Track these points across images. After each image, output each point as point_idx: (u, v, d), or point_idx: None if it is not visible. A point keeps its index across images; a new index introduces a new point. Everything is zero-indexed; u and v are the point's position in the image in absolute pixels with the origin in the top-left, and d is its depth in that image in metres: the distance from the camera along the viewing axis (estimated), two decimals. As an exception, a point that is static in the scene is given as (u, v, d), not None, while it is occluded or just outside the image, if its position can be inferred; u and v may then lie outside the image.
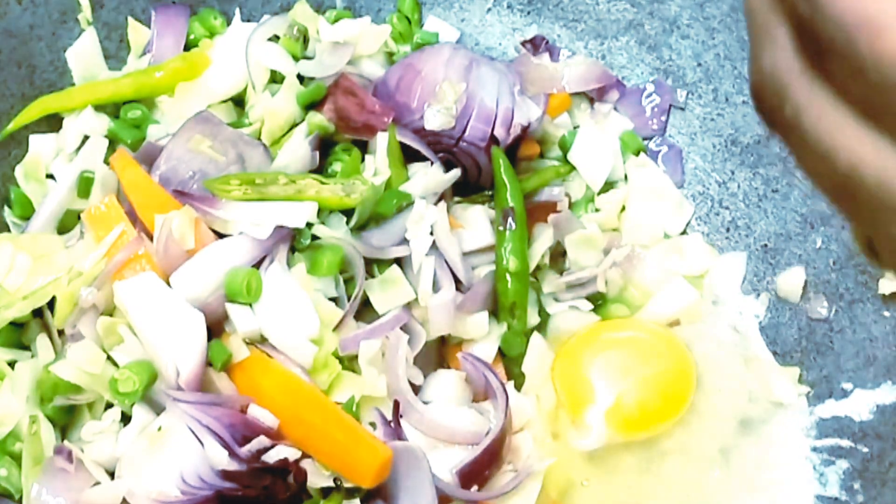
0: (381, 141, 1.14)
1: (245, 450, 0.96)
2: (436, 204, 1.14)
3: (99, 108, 1.19)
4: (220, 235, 1.06)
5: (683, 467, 1.17)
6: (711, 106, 1.32)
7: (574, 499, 1.12)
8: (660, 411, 1.16)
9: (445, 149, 1.19)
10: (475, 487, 1.07)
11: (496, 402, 1.11)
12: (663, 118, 1.34)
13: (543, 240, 1.20)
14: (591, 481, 1.14)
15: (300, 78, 1.19)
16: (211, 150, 1.10)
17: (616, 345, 1.19)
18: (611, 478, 1.15)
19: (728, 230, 1.31)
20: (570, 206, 1.26)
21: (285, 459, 0.97)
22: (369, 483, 1.00)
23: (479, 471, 1.08)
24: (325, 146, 1.17)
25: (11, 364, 1.05)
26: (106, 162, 1.13)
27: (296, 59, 1.20)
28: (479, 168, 1.20)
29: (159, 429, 0.98)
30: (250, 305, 1.02)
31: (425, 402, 1.10)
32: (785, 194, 1.28)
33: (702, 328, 1.25)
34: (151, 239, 1.04)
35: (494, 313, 1.17)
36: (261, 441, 0.97)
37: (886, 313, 1.20)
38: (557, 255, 1.25)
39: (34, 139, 1.18)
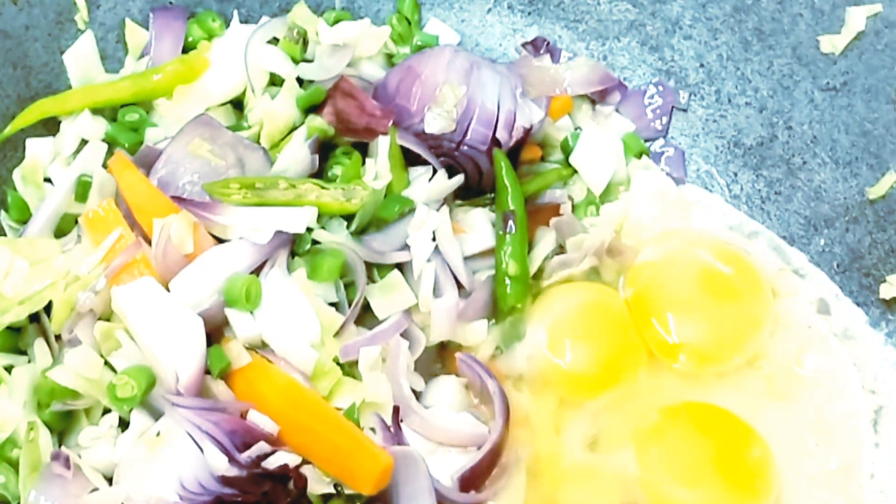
0: (382, 144, 1.14)
1: (245, 456, 0.96)
2: (438, 209, 1.14)
3: (96, 111, 1.18)
4: (220, 240, 1.06)
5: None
6: (714, 107, 1.32)
7: (569, 492, 1.12)
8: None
9: (446, 153, 1.18)
10: (473, 490, 1.07)
11: (493, 406, 1.10)
12: (665, 120, 1.34)
13: (545, 243, 1.20)
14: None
15: (300, 80, 1.18)
16: (210, 153, 1.10)
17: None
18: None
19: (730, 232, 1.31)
20: (573, 208, 1.25)
21: (285, 465, 0.97)
22: (370, 490, 0.99)
23: (479, 476, 1.08)
24: (324, 149, 1.16)
25: (8, 369, 1.04)
26: (104, 165, 1.13)
27: (295, 61, 1.20)
28: (481, 171, 1.20)
29: (158, 434, 0.97)
30: (250, 311, 1.02)
31: (426, 407, 1.09)
32: (788, 196, 1.28)
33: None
34: (150, 243, 1.03)
35: (493, 316, 1.17)
36: (261, 447, 0.96)
37: (890, 317, 1.20)
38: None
39: (31, 143, 1.17)
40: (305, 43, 1.21)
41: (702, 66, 1.32)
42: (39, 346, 1.05)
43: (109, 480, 0.98)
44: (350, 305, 1.07)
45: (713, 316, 1.17)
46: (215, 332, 1.02)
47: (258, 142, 1.15)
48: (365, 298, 1.08)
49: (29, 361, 1.06)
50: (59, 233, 1.12)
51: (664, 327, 1.17)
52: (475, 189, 1.21)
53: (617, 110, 1.34)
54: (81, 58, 1.22)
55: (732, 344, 1.18)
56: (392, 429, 1.05)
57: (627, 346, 1.18)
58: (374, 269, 1.11)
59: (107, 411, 1.02)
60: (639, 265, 1.22)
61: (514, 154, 1.20)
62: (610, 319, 1.19)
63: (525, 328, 1.17)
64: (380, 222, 1.11)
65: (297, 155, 1.12)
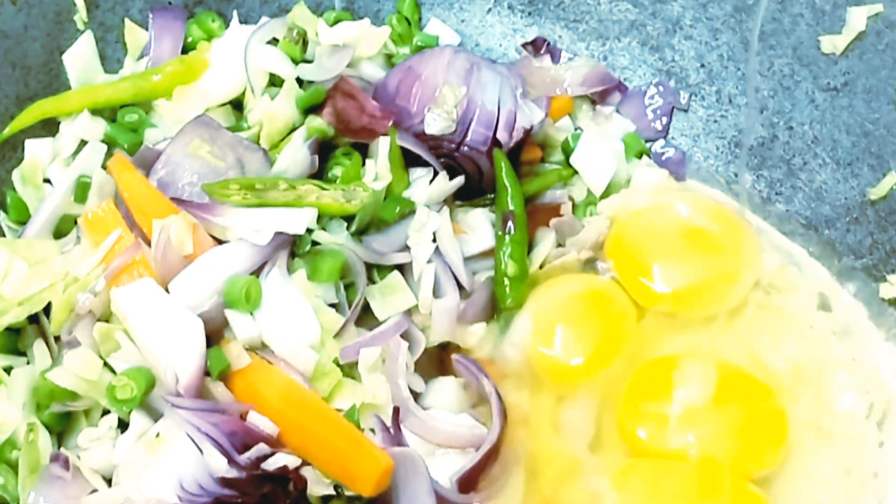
0: (383, 145, 1.14)
1: (244, 457, 0.95)
2: (439, 210, 1.14)
3: (96, 111, 1.18)
4: (220, 241, 1.05)
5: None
6: (715, 108, 1.32)
7: (568, 492, 1.12)
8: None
9: (446, 153, 1.18)
10: (472, 491, 1.07)
11: (491, 407, 1.10)
12: (666, 120, 1.33)
13: (546, 244, 1.20)
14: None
15: (299, 81, 1.18)
16: (210, 154, 1.10)
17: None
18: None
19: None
20: (573, 209, 1.25)
21: (285, 467, 0.96)
22: (370, 492, 0.99)
23: (477, 477, 1.08)
24: (324, 150, 1.16)
25: (8, 370, 1.04)
26: (103, 166, 1.12)
27: (295, 62, 1.20)
28: (481, 172, 1.19)
29: (157, 435, 0.97)
30: (250, 312, 1.01)
31: (425, 409, 1.09)
32: (789, 197, 1.28)
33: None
34: (149, 244, 1.03)
35: (493, 317, 1.17)
36: (260, 448, 0.96)
37: (891, 315, 1.20)
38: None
39: (30, 143, 1.17)
40: (305, 43, 1.21)
41: (702, 66, 1.32)
42: (39, 347, 1.05)
43: (109, 482, 0.98)
44: (350, 306, 1.07)
45: (691, 260, 1.19)
46: (215, 333, 1.02)
47: (258, 142, 1.14)
48: (365, 299, 1.08)
49: (28, 363, 1.06)
50: (59, 234, 1.11)
51: (645, 271, 1.19)
52: (475, 190, 1.21)
53: (617, 111, 1.34)
54: (81, 58, 1.22)
55: (711, 287, 1.19)
56: (392, 430, 1.04)
57: (617, 332, 1.18)
58: (375, 271, 1.10)
59: (106, 412, 1.01)
60: (622, 215, 1.24)
61: (514, 155, 1.20)
62: (595, 305, 1.18)
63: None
64: (380, 223, 1.11)
65: (296, 156, 1.12)
